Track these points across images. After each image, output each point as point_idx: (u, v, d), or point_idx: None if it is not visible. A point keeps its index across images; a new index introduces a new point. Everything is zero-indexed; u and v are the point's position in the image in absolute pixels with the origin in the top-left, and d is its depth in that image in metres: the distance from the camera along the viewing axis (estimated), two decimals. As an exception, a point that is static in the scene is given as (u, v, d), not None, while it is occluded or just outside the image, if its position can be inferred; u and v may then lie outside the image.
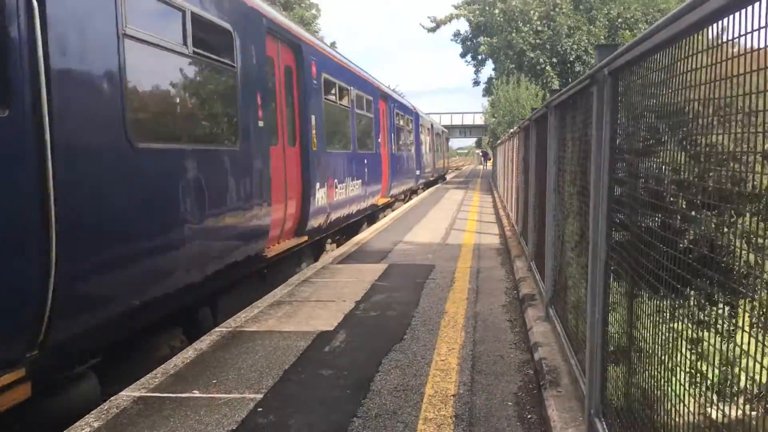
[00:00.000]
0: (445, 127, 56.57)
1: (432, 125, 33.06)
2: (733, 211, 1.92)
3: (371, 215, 15.91)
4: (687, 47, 1.93)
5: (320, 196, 9.98)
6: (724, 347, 1.92)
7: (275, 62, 8.48)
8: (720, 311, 2.13)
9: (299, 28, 9.91)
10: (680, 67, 2.02)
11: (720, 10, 1.53)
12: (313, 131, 9.70)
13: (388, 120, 18.26)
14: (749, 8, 1.45)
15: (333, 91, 11.53)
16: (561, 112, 5.22)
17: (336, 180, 11.16)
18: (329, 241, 11.77)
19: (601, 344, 3.22)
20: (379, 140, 16.43)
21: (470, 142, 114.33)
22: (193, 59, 5.96)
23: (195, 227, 5.81)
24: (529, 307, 6.16)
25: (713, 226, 2.03)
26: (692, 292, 2.23)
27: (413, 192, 25.11)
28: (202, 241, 5.97)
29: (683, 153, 2.28)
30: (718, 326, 2.09)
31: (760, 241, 1.72)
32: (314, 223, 9.74)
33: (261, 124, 7.51)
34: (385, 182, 17.22)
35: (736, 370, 1.94)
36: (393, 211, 18.36)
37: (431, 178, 32.11)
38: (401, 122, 21.18)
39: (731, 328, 2.09)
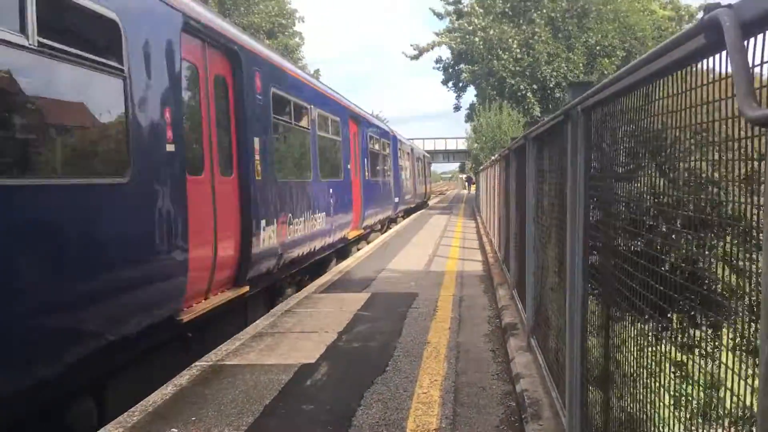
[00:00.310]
0: (429, 152, 56.61)
1: (412, 149, 32.41)
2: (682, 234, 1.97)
3: (342, 249, 14.38)
4: (651, 91, 1.99)
5: (268, 235, 8.31)
6: (707, 370, 1.95)
7: (200, 71, 6.84)
8: (702, 334, 2.16)
9: (236, 30, 8.15)
10: (647, 109, 2.08)
11: (675, 63, 1.59)
12: (257, 157, 8.04)
13: (360, 144, 16.58)
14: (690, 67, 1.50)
15: (287, 110, 9.92)
16: (539, 143, 5.29)
17: (290, 214, 9.48)
18: (287, 284, 10.10)
19: (580, 377, 3.23)
20: (349, 166, 14.85)
21: (454, 166, 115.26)
22: (38, 54, 4.13)
23: (41, 296, 4.14)
24: (512, 337, 6.17)
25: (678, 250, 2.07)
26: (673, 316, 2.26)
27: (392, 221, 23.71)
28: (58, 316, 4.31)
29: (655, 180, 2.33)
30: (700, 349, 2.12)
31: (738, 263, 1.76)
32: (261, 267, 8.21)
33: (171, 148, 5.84)
34: (357, 213, 15.58)
35: (720, 393, 1.96)
36: (368, 243, 17.17)
37: (412, 206, 31.56)
38: (377, 146, 19.65)
39: (713, 350, 2.12)
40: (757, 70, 1.29)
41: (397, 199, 23.98)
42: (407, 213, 28.78)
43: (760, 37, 1.28)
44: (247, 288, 7.68)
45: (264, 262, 8.32)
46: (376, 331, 6.81)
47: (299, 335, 6.72)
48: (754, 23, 1.26)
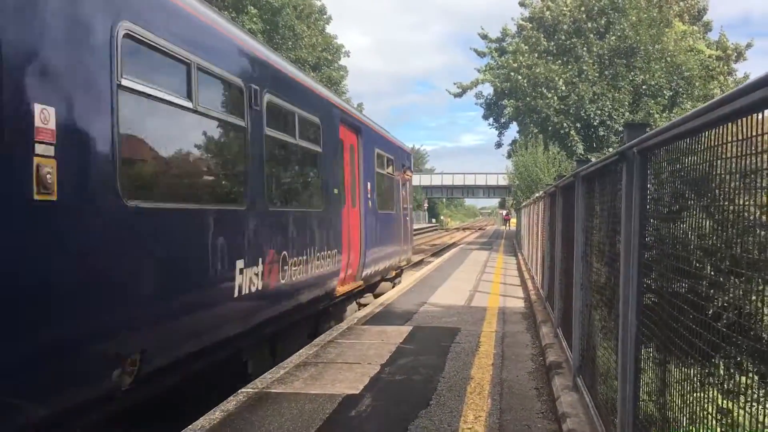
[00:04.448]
0: (469, 187, 55.09)
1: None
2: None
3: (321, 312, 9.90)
4: (714, 136, 2.04)
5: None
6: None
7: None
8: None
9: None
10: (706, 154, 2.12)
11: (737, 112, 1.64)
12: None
13: (361, 161, 11.99)
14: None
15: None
16: (589, 182, 5.31)
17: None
18: None
19: (633, 419, 3.21)
20: (336, 192, 10.10)
21: (493, 202, 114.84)
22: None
23: None
24: (556, 376, 6.10)
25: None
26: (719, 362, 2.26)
27: (401, 270, 16.69)
28: None
29: (715, 226, 2.35)
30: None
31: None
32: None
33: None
34: (352, 257, 11.10)
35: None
36: (364, 304, 12.51)
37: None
38: (383, 167, 14.19)
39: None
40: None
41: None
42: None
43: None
44: None
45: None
46: (419, 365, 6.82)
47: (343, 366, 6.77)
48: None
